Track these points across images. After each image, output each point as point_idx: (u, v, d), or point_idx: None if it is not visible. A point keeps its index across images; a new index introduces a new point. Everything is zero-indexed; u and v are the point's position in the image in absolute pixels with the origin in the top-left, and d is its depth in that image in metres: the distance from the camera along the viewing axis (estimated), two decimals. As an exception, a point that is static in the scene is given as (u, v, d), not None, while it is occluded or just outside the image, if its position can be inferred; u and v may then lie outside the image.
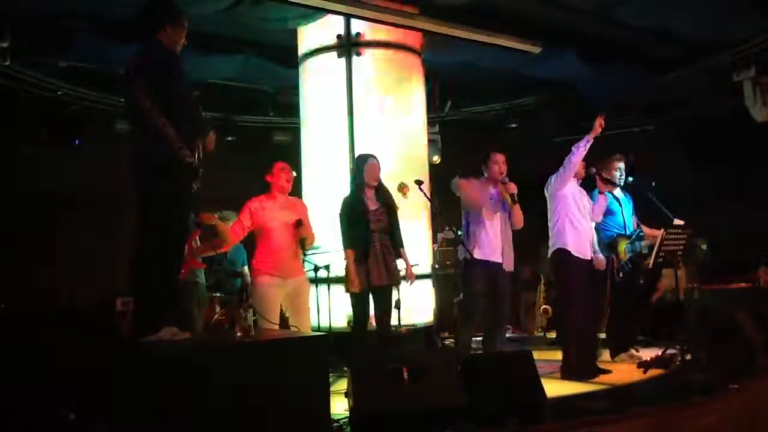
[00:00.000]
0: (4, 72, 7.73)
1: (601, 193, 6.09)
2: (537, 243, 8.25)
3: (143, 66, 3.61)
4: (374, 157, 5.49)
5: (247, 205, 5.19)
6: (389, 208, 5.44)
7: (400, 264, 5.49)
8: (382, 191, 5.47)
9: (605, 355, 6.49)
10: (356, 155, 5.68)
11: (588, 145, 5.70)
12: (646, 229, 6.46)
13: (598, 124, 5.67)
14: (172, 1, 3.85)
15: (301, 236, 5.12)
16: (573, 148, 5.74)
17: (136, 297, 3.67)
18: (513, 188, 5.65)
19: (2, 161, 8.30)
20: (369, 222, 5.27)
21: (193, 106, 3.67)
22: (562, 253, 5.80)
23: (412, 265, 5.57)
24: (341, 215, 5.39)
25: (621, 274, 6.26)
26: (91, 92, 8.92)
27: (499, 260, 5.59)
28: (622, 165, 6.51)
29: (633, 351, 6.45)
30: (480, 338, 5.91)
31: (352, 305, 5.35)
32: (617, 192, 6.55)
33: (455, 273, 5.68)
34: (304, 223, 5.19)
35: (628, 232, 6.38)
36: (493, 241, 5.60)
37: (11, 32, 6.97)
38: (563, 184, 5.83)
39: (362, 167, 5.39)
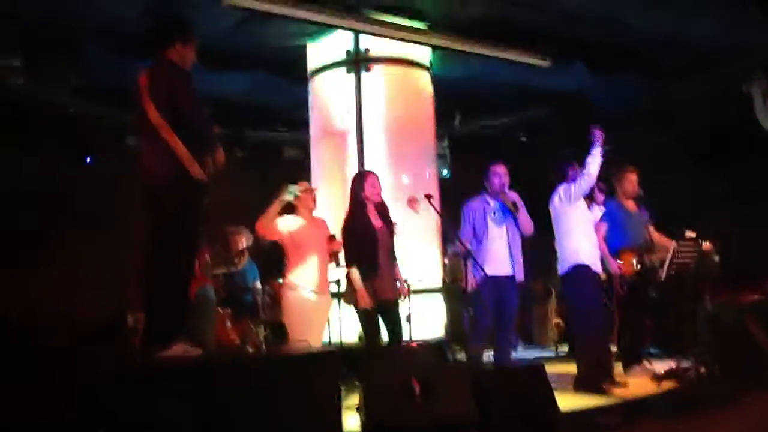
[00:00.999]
0: (16, 89, 7.79)
1: (598, 204, 6.04)
2: (549, 256, 8.22)
3: (154, 83, 3.64)
4: (375, 174, 5.48)
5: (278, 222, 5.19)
6: (390, 224, 5.42)
7: None
8: (382, 207, 5.43)
9: (617, 368, 6.45)
10: (357, 172, 5.65)
11: (599, 160, 5.59)
12: (663, 239, 6.39)
13: (598, 136, 5.59)
14: (183, 18, 3.88)
15: (335, 250, 5.18)
16: (588, 160, 5.61)
17: (147, 313, 3.68)
18: (513, 196, 5.62)
19: (14, 177, 8.36)
20: (377, 239, 5.25)
21: (203, 122, 3.69)
22: (582, 268, 5.69)
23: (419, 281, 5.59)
24: (348, 232, 5.29)
25: (625, 288, 6.22)
26: (102, 108, 8.98)
27: (508, 273, 5.56)
28: (635, 177, 6.48)
29: (645, 364, 6.41)
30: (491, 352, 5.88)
31: (362, 322, 5.29)
32: (629, 204, 6.52)
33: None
34: (335, 238, 5.30)
35: (635, 245, 6.33)
36: (499, 255, 5.57)
37: (23, 50, 7.05)
38: (578, 197, 5.74)
39: (363, 184, 5.35)
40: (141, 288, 3.70)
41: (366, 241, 5.22)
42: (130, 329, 6.99)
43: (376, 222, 5.32)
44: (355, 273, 5.16)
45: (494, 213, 5.66)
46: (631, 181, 6.45)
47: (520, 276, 5.63)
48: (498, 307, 5.53)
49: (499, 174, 5.65)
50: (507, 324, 5.60)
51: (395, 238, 5.43)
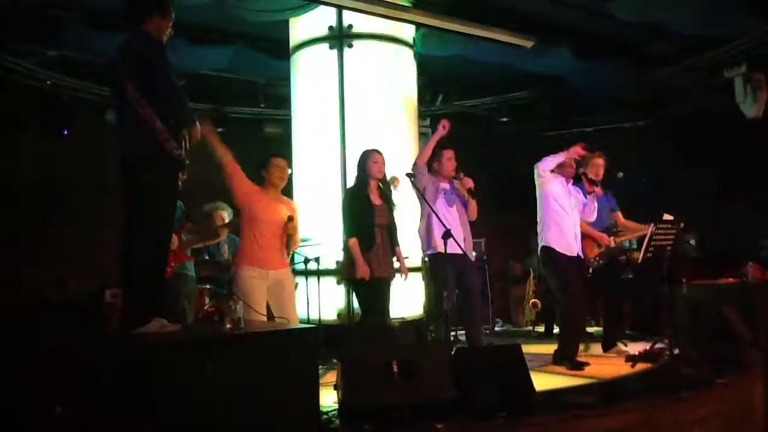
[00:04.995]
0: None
1: (589, 193, 6.13)
2: (527, 237, 8.27)
3: (129, 57, 3.58)
4: (379, 152, 5.56)
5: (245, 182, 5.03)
6: (390, 205, 5.55)
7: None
8: (385, 187, 5.58)
9: (596, 348, 6.54)
10: (364, 151, 5.66)
11: (556, 162, 5.86)
12: (630, 224, 6.54)
13: (576, 150, 5.85)
14: None
15: (289, 233, 4.99)
16: (545, 158, 5.89)
17: (124, 289, 3.65)
18: (469, 183, 5.81)
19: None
20: (374, 216, 5.37)
21: (179, 97, 3.64)
22: (547, 250, 5.94)
23: (404, 258, 5.58)
24: (345, 206, 5.48)
25: (590, 271, 6.34)
26: (81, 82, 8.86)
27: (460, 251, 5.59)
28: (602, 162, 6.53)
29: (621, 346, 6.49)
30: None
31: (361, 297, 5.40)
32: (596, 189, 6.58)
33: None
34: (294, 221, 5.04)
35: (599, 229, 6.44)
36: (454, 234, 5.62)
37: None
38: (545, 184, 5.95)
39: (367, 161, 5.47)
40: (119, 264, 3.67)
41: (363, 217, 5.35)
42: (108, 305, 6.94)
43: (376, 199, 5.45)
44: (355, 244, 5.27)
45: (445, 193, 5.80)
46: (596, 165, 6.50)
47: (471, 255, 5.79)
48: (459, 286, 5.66)
49: (452, 158, 5.84)
50: (471, 303, 5.68)
51: (395, 216, 5.56)
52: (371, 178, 5.47)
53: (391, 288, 5.52)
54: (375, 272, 5.29)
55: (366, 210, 5.37)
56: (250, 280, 4.84)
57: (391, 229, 5.51)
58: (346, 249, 5.40)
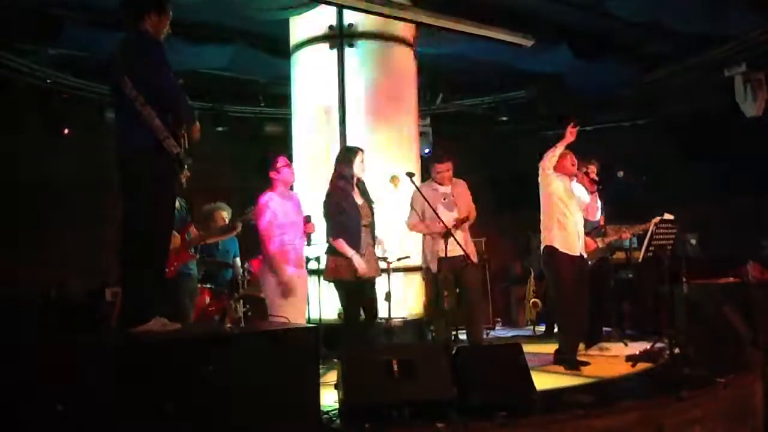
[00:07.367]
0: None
1: (591, 193, 6.12)
2: (527, 237, 8.26)
3: (128, 55, 3.58)
4: (363, 150, 5.46)
5: (266, 205, 5.13)
6: (370, 201, 5.45)
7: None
8: (363, 185, 5.45)
9: (596, 348, 6.54)
10: (344, 147, 5.61)
11: (557, 153, 5.76)
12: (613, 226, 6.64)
13: (569, 132, 5.71)
14: None
15: (308, 232, 5.13)
16: (545, 154, 5.81)
17: (124, 288, 3.65)
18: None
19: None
20: (360, 216, 5.27)
21: (178, 95, 3.64)
22: (550, 250, 5.88)
23: (403, 257, 5.58)
24: (331, 208, 5.30)
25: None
26: (80, 81, 8.86)
27: (461, 253, 5.56)
28: (594, 168, 6.49)
29: (602, 344, 6.53)
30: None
31: (343, 298, 5.32)
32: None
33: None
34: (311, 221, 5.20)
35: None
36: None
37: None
38: (546, 185, 5.91)
39: (354, 160, 5.33)
40: (118, 263, 3.67)
41: (350, 217, 5.24)
42: (109, 304, 6.95)
43: (358, 199, 5.34)
44: (343, 244, 5.17)
45: (444, 198, 5.75)
46: (590, 172, 6.47)
47: (473, 257, 5.69)
48: (459, 287, 5.61)
49: (450, 168, 5.82)
50: (471, 303, 5.65)
51: (375, 216, 5.45)
52: (354, 177, 5.35)
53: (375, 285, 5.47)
54: (364, 273, 5.21)
55: (353, 212, 5.25)
56: (294, 279, 4.95)
57: (373, 228, 5.42)
58: (332, 249, 5.29)
